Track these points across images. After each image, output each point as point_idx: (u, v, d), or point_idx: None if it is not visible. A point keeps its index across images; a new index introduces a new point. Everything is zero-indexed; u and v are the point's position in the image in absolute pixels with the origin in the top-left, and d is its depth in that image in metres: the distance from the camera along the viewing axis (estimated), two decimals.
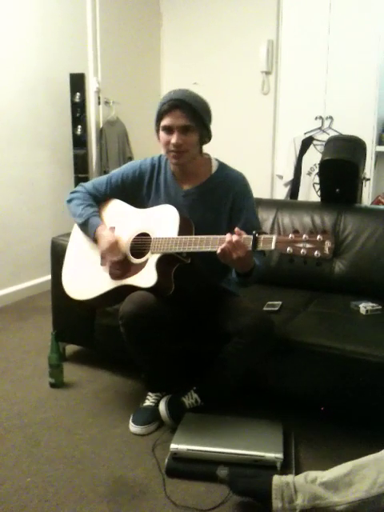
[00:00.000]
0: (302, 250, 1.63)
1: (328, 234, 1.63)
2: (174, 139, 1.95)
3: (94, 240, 2.14)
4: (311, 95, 4.22)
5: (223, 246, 1.76)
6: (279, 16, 4.30)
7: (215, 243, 1.81)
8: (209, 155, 2.14)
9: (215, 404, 2.11)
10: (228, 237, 1.77)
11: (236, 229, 1.79)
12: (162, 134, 1.99)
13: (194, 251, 1.88)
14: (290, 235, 1.66)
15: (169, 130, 1.96)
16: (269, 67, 4.40)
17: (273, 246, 1.68)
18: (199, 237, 1.88)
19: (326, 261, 1.64)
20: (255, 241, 1.72)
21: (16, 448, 1.99)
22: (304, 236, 1.64)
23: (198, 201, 2.09)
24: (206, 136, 2.04)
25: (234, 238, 1.75)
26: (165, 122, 1.96)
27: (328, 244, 1.61)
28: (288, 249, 1.65)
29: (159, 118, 1.98)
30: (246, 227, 1.84)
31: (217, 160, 2.15)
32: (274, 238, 1.68)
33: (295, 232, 1.66)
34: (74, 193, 2.23)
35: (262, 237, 1.72)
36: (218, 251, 1.78)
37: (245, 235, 1.76)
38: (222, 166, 2.13)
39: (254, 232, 1.73)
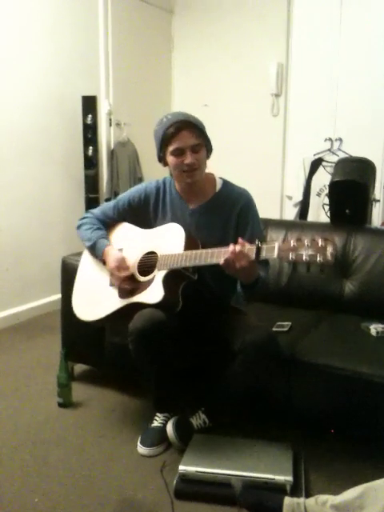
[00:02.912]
0: (304, 257, 1.64)
1: (330, 240, 1.64)
2: (188, 160, 1.97)
3: (103, 262, 2.17)
4: (321, 117, 4.25)
5: (226, 256, 1.78)
6: (289, 38, 4.37)
7: (220, 255, 1.83)
8: (212, 174, 2.16)
9: (224, 424, 2.10)
10: (231, 247, 1.78)
11: (239, 239, 1.81)
12: (171, 158, 2.01)
13: (199, 265, 1.90)
14: (293, 243, 1.67)
15: (180, 151, 1.98)
16: (278, 89, 4.45)
17: (275, 255, 1.69)
18: (203, 250, 1.90)
19: (328, 267, 1.63)
20: (258, 250, 1.74)
21: (24, 466, 1.98)
22: (306, 243, 1.65)
23: (205, 218, 2.11)
24: (210, 150, 2.08)
25: (237, 247, 1.77)
26: (175, 145, 1.98)
27: (330, 249, 1.62)
28: (291, 256, 1.66)
29: (165, 143, 2.00)
30: (251, 240, 1.85)
31: (220, 178, 2.18)
32: (277, 245, 1.70)
33: (298, 240, 1.67)
34: (83, 219, 2.29)
35: (265, 246, 1.73)
36: (222, 262, 1.80)
37: (248, 246, 1.77)
38: (226, 183, 2.16)
39: (256, 241, 1.75)
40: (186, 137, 1.97)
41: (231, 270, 1.81)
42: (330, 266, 1.64)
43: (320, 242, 1.63)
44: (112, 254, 2.14)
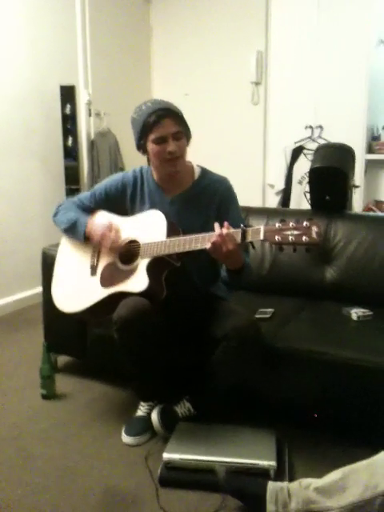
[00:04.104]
0: (290, 237, 1.65)
1: (313, 220, 1.66)
2: (170, 147, 1.96)
3: (86, 238, 2.12)
4: (301, 105, 4.26)
5: (213, 239, 1.78)
6: (268, 27, 4.36)
7: (205, 240, 1.83)
8: (190, 162, 2.15)
9: (208, 412, 2.10)
10: (217, 230, 1.79)
11: (225, 223, 1.81)
12: (152, 146, 1.99)
13: (185, 251, 1.89)
14: (278, 224, 1.68)
15: (162, 139, 1.96)
16: (258, 78, 4.44)
17: (261, 236, 1.70)
18: (188, 237, 1.89)
19: (315, 246, 1.65)
20: (244, 233, 1.75)
21: (8, 460, 1.97)
22: (291, 224, 1.67)
23: (185, 207, 2.10)
24: (189, 138, 2.07)
25: (224, 230, 1.77)
26: (156, 133, 1.96)
27: (315, 229, 1.64)
28: (276, 237, 1.67)
29: (146, 132, 1.98)
30: (233, 225, 1.85)
31: (199, 166, 2.17)
32: (262, 228, 1.71)
33: (282, 221, 1.68)
34: (59, 206, 2.25)
35: (250, 229, 1.75)
36: (209, 246, 1.80)
37: (233, 229, 1.79)
38: (205, 172, 2.15)
39: (241, 225, 1.77)
40: (167, 125, 1.95)
41: (218, 254, 1.81)
42: (316, 246, 1.65)
43: (305, 223, 1.65)
44: (97, 223, 2.08)
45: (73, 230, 2.16)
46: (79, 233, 2.13)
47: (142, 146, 2.04)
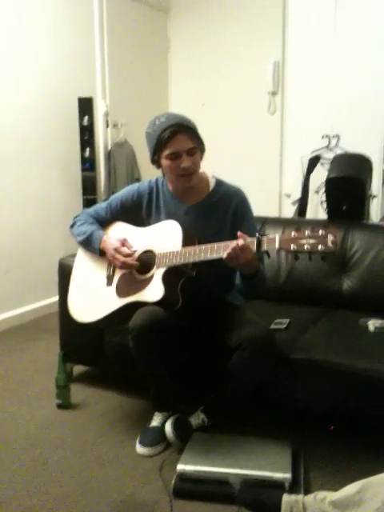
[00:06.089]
0: (305, 246, 1.65)
1: (329, 228, 1.64)
2: (184, 163, 1.97)
3: (101, 253, 2.15)
4: (318, 114, 4.25)
5: (229, 250, 1.78)
6: (285, 36, 4.37)
7: (220, 249, 1.83)
8: (205, 172, 2.16)
9: (223, 423, 2.09)
10: (233, 243, 1.78)
11: (239, 233, 1.81)
12: (166, 161, 1.99)
13: (200, 260, 1.89)
14: (293, 233, 1.68)
15: (176, 155, 1.97)
16: (275, 87, 4.45)
17: (277, 245, 1.70)
18: (203, 246, 1.90)
19: (330, 255, 1.64)
20: (259, 242, 1.74)
21: (23, 468, 1.98)
22: (306, 232, 1.66)
23: (200, 217, 2.10)
24: (203, 151, 2.07)
25: (240, 242, 1.77)
26: (170, 149, 1.96)
27: (331, 237, 1.63)
28: (292, 246, 1.67)
29: (160, 147, 1.98)
30: (249, 234, 1.85)
31: (213, 176, 2.17)
32: (278, 237, 1.70)
33: (297, 230, 1.67)
34: (76, 217, 2.28)
35: (265, 237, 1.75)
36: (225, 256, 1.80)
37: (249, 238, 1.78)
38: (219, 182, 2.16)
39: (257, 234, 1.77)
40: (181, 141, 1.96)
41: (234, 263, 1.82)
42: (332, 254, 1.64)
43: (321, 232, 1.64)
44: (111, 239, 2.11)
45: (88, 244, 2.19)
46: (94, 248, 2.17)
47: (156, 161, 2.05)
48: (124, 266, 2.08)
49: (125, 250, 2.08)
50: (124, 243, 2.10)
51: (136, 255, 2.09)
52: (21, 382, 2.71)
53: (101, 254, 2.16)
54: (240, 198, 2.12)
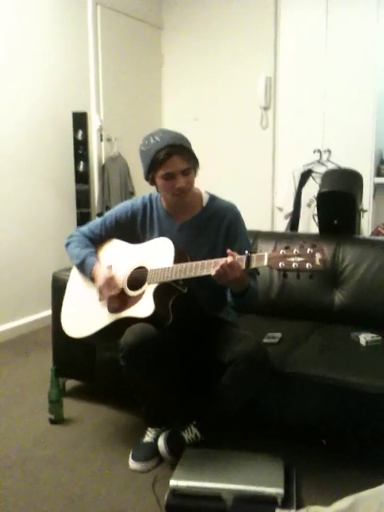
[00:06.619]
0: (294, 264, 1.67)
1: (318, 246, 1.67)
2: (179, 184, 1.98)
3: (92, 279, 2.17)
4: (309, 129, 4.31)
5: (217, 268, 1.80)
6: (276, 52, 4.43)
7: (210, 267, 1.84)
8: (198, 188, 2.17)
9: (216, 438, 2.09)
10: (221, 260, 1.80)
11: (228, 250, 1.82)
12: (161, 181, 2.01)
13: (190, 277, 1.90)
14: (282, 251, 1.70)
15: (171, 176, 1.98)
16: (267, 102, 4.50)
17: (265, 263, 1.72)
18: (193, 263, 1.91)
19: (318, 272, 1.67)
20: (248, 259, 1.76)
21: (15, 484, 1.97)
22: (295, 250, 1.68)
23: (193, 233, 2.12)
24: (197, 169, 2.08)
25: (228, 259, 1.79)
26: (165, 170, 1.97)
27: (318, 256, 1.65)
28: (280, 264, 1.69)
29: (155, 167, 1.99)
30: (240, 251, 1.86)
31: (207, 192, 2.19)
32: (266, 254, 1.73)
33: (286, 248, 1.69)
34: (71, 237, 2.29)
35: (255, 255, 1.77)
36: (213, 273, 1.81)
37: (238, 256, 1.80)
38: (213, 198, 2.17)
39: (246, 252, 1.78)
40: (176, 162, 1.97)
41: (223, 281, 1.83)
42: (320, 272, 1.67)
43: (308, 249, 1.66)
44: (101, 272, 2.12)
45: (81, 269, 2.22)
46: (86, 273, 2.19)
47: (150, 179, 2.06)
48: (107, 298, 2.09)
49: (107, 291, 2.08)
50: (110, 283, 2.07)
51: (120, 287, 2.10)
52: (13, 396, 2.70)
53: (92, 279, 2.18)
54: (233, 213, 2.14)
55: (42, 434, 2.33)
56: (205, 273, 1.86)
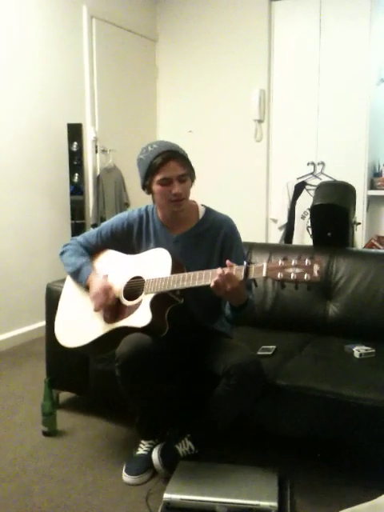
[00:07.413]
0: (292, 275, 1.68)
1: (316, 259, 1.68)
2: (175, 189, 2.00)
3: (86, 288, 2.17)
4: (303, 142, 4.34)
5: (216, 278, 1.80)
6: (270, 65, 4.48)
7: (208, 277, 1.85)
8: (195, 201, 2.19)
9: (210, 450, 2.09)
10: (219, 270, 1.81)
11: (227, 261, 1.83)
12: (158, 187, 2.02)
13: (188, 287, 1.91)
14: (280, 262, 1.71)
15: (167, 181, 2.00)
16: (261, 115, 4.53)
17: (264, 274, 1.72)
18: (191, 273, 1.92)
19: (316, 284, 1.68)
20: (246, 270, 1.77)
21: (7, 497, 1.95)
22: (293, 262, 1.69)
23: (189, 246, 2.13)
24: (193, 179, 2.10)
25: (226, 270, 1.79)
26: (162, 175, 2.00)
27: (316, 267, 1.66)
28: (279, 274, 1.70)
29: (152, 173, 2.01)
30: (237, 263, 1.87)
31: (203, 205, 2.20)
32: (265, 265, 1.73)
33: (284, 259, 1.71)
34: (66, 246, 2.29)
35: (253, 266, 1.77)
36: (212, 284, 1.81)
37: (236, 266, 1.80)
38: (209, 211, 2.19)
39: (245, 262, 1.79)
40: (173, 167, 1.99)
41: (221, 292, 1.83)
42: (318, 284, 1.68)
43: (307, 261, 1.68)
44: (97, 281, 2.12)
45: (76, 277, 2.21)
46: (81, 282, 2.19)
47: (147, 186, 2.07)
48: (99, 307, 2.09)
49: (104, 300, 2.07)
50: (105, 293, 2.07)
51: (117, 296, 2.10)
52: (6, 408, 2.68)
53: (87, 288, 2.18)
54: (229, 226, 2.15)
55: (35, 446, 2.31)
56: (203, 283, 1.87)
